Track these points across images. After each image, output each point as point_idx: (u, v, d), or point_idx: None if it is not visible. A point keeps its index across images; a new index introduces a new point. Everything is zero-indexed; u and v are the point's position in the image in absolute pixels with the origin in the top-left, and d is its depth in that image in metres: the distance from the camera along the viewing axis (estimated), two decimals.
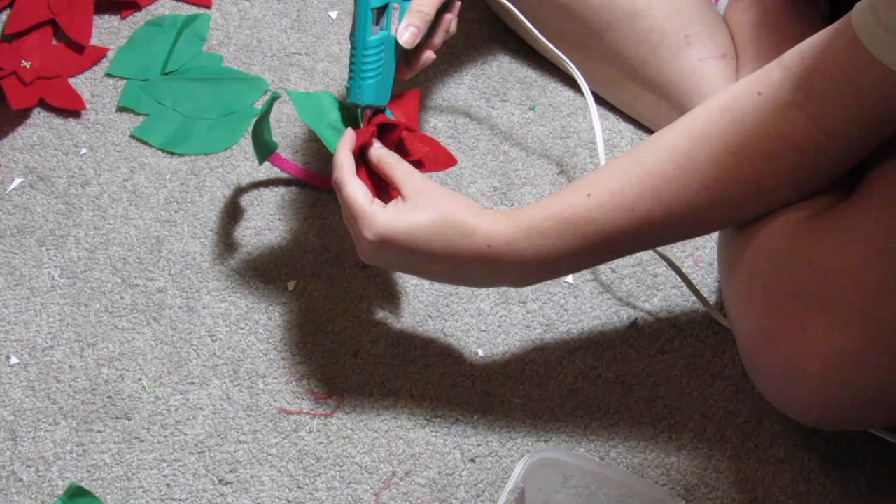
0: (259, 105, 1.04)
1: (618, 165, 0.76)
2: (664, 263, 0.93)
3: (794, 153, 0.72)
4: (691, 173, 0.73)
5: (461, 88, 1.05)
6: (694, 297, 0.92)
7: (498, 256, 0.76)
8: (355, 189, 0.78)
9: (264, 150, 0.92)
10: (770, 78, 0.73)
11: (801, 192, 0.74)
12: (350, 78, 0.83)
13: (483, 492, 0.84)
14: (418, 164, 0.84)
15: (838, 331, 0.68)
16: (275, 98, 0.88)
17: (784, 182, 0.73)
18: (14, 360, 0.91)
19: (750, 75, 0.75)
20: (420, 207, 0.76)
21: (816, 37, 0.71)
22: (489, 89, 1.04)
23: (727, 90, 0.76)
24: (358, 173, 0.80)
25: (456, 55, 1.07)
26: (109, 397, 0.89)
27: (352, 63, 0.83)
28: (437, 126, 1.02)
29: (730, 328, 0.87)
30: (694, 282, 0.93)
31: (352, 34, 0.83)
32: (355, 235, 0.79)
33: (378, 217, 0.76)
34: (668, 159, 0.74)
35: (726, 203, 0.74)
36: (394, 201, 0.78)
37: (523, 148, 1.01)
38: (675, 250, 0.95)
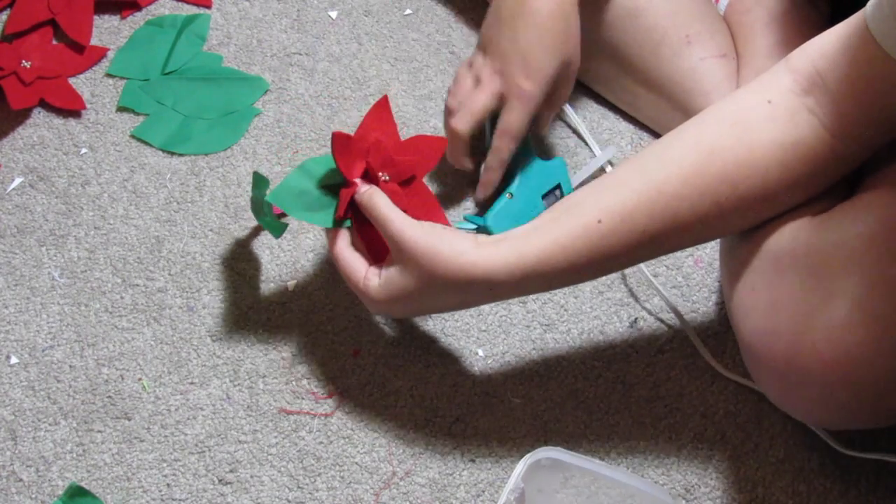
0: (259, 105, 1.04)
1: (626, 183, 0.74)
2: (664, 263, 0.94)
3: (806, 160, 0.71)
4: (702, 191, 0.72)
5: None
6: (694, 297, 0.92)
7: (502, 294, 0.78)
8: (345, 267, 0.81)
9: (276, 227, 0.91)
10: (779, 84, 0.72)
11: (810, 195, 0.74)
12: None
13: (483, 492, 0.84)
14: (412, 180, 0.84)
15: (840, 330, 0.68)
16: (263, 181, 0.88)
17: (794, 189, 0.73)
18: (14, 360, 0.91)
19: (757, 81, 0.74)
20: (407, 271, 0.77)
21: (825, 37, 0.71)
22: None
23: (735, 99, 0.75)
24: (362, 228, 0.82)
25: (456, 55, 1.07)
26: (109, 397, 0.89)
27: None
28: (437, 126, 1.02)
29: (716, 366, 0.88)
30: (694, 282, 0.93)
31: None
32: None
33: (370, 293, 0.79)
34: (678, 176, 0.73)
35: (736, 214, 0.74)
36: (385, 266, 0.79)
37: None
38: None
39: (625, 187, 0.74)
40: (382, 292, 0.78)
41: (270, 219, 0.89)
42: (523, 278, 0.75)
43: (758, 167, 0.72)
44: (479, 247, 0.75)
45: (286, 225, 0.90)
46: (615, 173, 0.77)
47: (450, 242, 0.76)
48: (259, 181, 0.88)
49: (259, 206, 0.88)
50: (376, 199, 0.79)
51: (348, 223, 0.82)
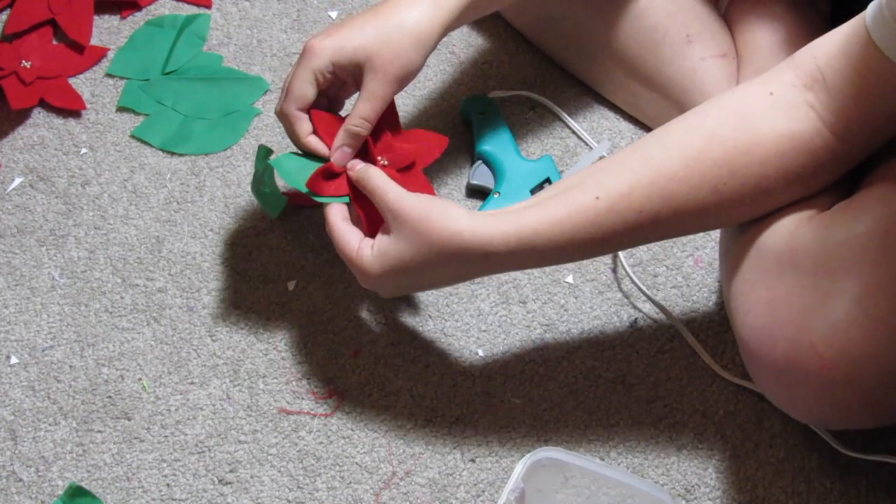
0: (259, 105, 1.04)
1: (625, 164, 0.75)
2: (664, 263, 0.94)
3: (804, 153, 0.72)
4: (701, 175, 0.73)
5: (461, 88, 1.05)
6: (694, 297, 0.92)
7: (496, 265, 0.77)
8: (339, 239, 0.80)
9: (274, 203, 0.91)
10: (782, 78, 0.73)
11: (808, 191, 0.74)
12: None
13: (483, 492, 0.84)
14: (411, 167, 0.84)
15: (839, 329, 0.68)
16: (268, 153, 0.87)
17: (793, 182, 0.73)
18: (14, 360, 0.91)
19: (761, 75, 0.75)
20: (404, 238, 0.76)
21: (828, 37, 0.71)
22: (489, 89, 1.04)
23: (738, 89, 0.75)
24: (361, 205, 0.81)
25: (456, 55, 1.07)
26: (109, 397, 0.89)
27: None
28: (437, 127, 1.02)
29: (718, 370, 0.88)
30: (694, 282, 0.93)
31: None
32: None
33: (364, 263, 0.78)
34: (678, 158, 0.73)
35: (734, 203, 0.74)
36: (379, 235, 0.78)
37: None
38: (675, 250, 0.94)
39: (624, 167, 0.75)
40: (376, 263, 0.77)
41: (269, 191, 0.89)
42: (519, 249, 0.75)
43: (757, 155, 0.72)
44: (475, 216, 0.76)
45: (284, 200, 0.90)
46: (615, 156, 0.77)
47: (445, 210, 0.76)
48: (263, 153, 0.88)
49: (260, 177, 0.88)
50: (371, 173, 0.80)
51: (346, 199, 0.82)
